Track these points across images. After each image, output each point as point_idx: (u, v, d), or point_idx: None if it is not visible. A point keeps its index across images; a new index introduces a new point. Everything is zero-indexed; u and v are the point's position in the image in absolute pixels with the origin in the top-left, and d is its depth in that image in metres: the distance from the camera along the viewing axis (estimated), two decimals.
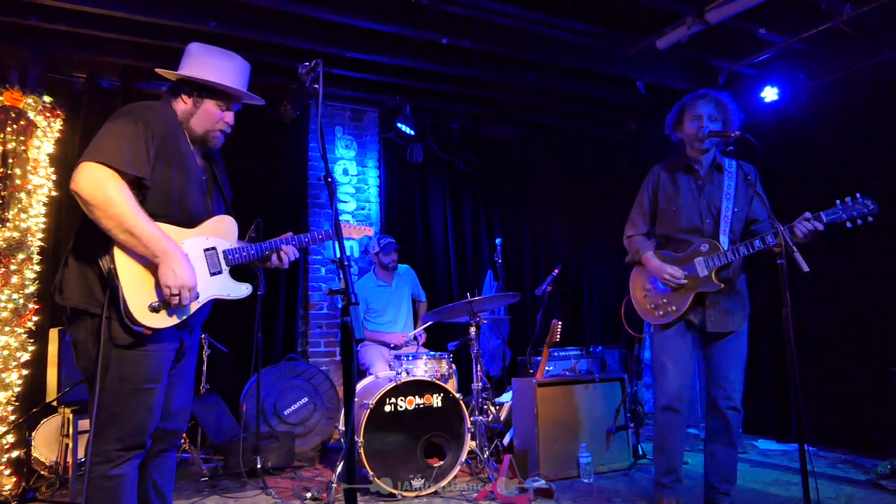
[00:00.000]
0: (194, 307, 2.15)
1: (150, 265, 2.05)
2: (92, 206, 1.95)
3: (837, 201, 2.78)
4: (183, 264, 2.05)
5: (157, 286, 2.05)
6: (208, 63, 2.27)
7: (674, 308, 3.10)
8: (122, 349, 2.01)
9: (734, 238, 3.07)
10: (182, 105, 2.27)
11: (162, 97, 2.31)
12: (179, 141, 2.20)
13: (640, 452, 4.38)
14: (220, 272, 2.24)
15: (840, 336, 4.62)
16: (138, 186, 2.04)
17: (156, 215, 2.06)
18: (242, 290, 2.32)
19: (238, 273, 2.34)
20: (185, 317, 2.12)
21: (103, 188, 1.95)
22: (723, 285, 3.01)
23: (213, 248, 2.24)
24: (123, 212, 1.96)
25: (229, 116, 2.34)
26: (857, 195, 2.74)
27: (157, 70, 2.35)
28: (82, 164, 1.96)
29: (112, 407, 2.01)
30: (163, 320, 2.06)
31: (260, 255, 2.37)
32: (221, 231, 2.29)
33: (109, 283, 2.00)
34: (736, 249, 2.95)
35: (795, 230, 2.82)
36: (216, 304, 2.30)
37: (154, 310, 2.03)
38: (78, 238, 2.11)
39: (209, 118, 2.29)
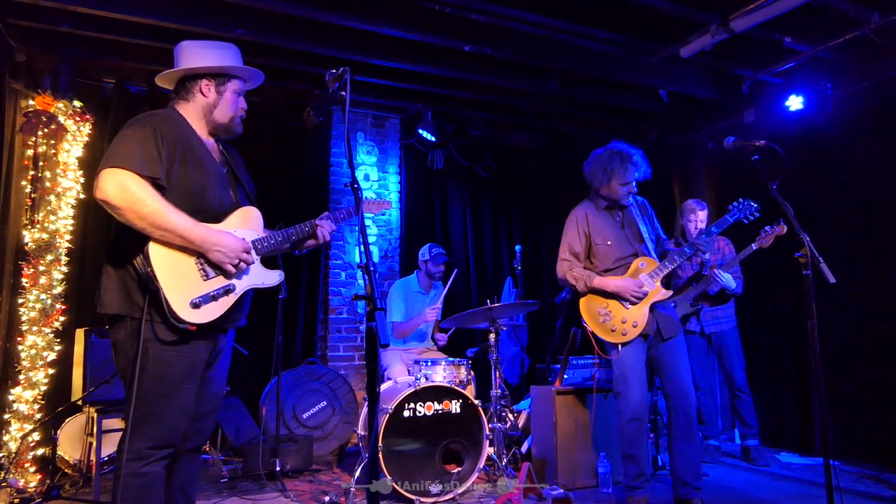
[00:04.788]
0: (231, 300, 2.16)
1: (186, 262, 2.09)
2: (122, 210, 2.00)
3: (730, 206, 3.36)
4: (223, 236, 2.12)
5: (195, 282, 2.09)
6: (216, 53, 2.30)
7: (636, 324, 3.35)
8: (158, 350, 2.05)
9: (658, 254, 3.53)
10: (201, 99, 2.29)
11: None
12: (192, 140, 2.23)
13: (660, 463, 4.33)
14: (252, 262, 2.26)
15: (864, 348, 4.54)
16: (155, 187, 2.07)
17: None
18: (275, 277, 2.34)
19: (268, 262, 2.37)
20: (226, 308, 2.14)
21: (129, 190, 1.99)
22: (671, 292, 3.42)
23: (242, 240, 2.26)
24: (155, 209, 2.01)
25: (243, 101, 2.39)
26: (740, 199, 3.35)
27: (180, 70, 2.28)
28: (102, 171, 2.02)
29: (147, 406, 2.04)
30: (206, 315, 2.09)
31: (288, 240, 2.40)
32: (248, 222, 2.31)
33: (149, 285, 2.03)
34: (672, 259, 3.38)
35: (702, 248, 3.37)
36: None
37: (196, 306, 2.06)
38: (112, 247, 2.15)
39: (232, 105, 2.33)
